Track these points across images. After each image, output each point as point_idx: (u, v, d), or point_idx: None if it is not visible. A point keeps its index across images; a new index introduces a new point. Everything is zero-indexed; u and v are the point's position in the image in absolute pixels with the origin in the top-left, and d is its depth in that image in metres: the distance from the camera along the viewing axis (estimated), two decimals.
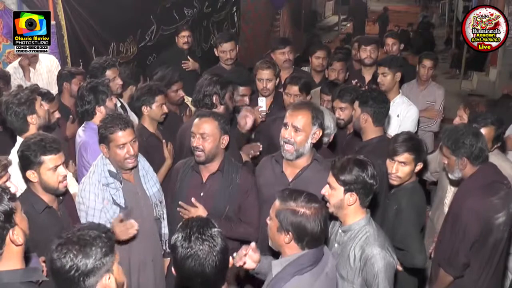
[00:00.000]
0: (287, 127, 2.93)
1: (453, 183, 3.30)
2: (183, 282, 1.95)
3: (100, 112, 3.49)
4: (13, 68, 4.88)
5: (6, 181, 2.55)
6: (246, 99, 4.26)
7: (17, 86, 3.44)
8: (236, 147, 3.59)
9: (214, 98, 3.68)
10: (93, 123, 3.49)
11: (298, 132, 2.90)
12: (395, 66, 4.44)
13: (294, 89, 4.06)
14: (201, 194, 3.08)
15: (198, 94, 3.73)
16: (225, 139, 3.05)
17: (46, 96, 3.74)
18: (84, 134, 3.53)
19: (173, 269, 1.98)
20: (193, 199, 3.04)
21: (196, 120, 3.04)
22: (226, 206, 3.05)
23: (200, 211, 3.02)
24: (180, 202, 3.09)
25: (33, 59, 4.91)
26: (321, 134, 2.98)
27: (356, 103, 3.48)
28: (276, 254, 2.40)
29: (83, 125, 3.61)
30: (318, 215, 2.18)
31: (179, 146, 3.76)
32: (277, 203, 2.25)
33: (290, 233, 2.18)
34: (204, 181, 3.10)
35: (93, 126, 3.47)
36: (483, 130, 3.32)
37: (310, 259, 2.19)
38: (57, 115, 3.81)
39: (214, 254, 1.88)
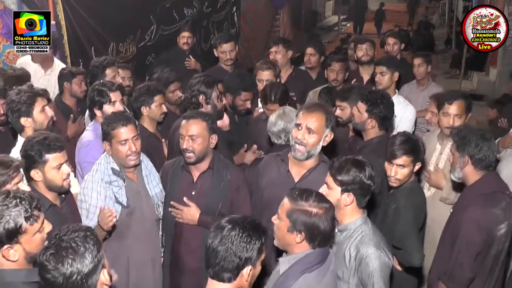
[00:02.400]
0: (300, 128, 2.90)
1: (454, 186, 3.29)
2: None
3: (99, 115, 3.50)
4: (20, 66, 4.90)
5: (18, 182, 2.54)
6: (248, 104, 4.24)
7: (26, 85, 3.40)
8: (224, 145, 3.59)
9: (200, 97, 3.69)
10: (97, 123, 3.50)
11: (311, 134, 2.88)
12: (393, 66, 4.45)
13: (275, 106, 3.89)
14: (193, 193, 3.09)
15: (188, 94, 3.76)
16: (214, 138, 3.06)
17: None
18: (84, 134, 3.57)
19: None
20: (185, 199, 3.04)
21: (184, 122, 3.03)
22: (219, 204, 3.05)
23: (193, 210, 3.02)
24: (171, 202, 3.09)
25: (44, 62, 4.87)
26: (332, 136, 2.96)
27: (364, 107, 3.45)
28: (278, 252, 2.39)
29: (90, 123, 3.66)
30: (329, 214, 2.20)
31: (171, 145, 3.76)
32: (287, 203, 2.24)
33: (302, 233, 2.18)
34: (195, 180, 3.10)
35: (96, 126, 3.47)
36: (454, 104, 3.50)
37: (318, 257, 2.20)
38: (54, 117, 3.78)
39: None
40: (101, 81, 3.73)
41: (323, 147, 2.98)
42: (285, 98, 4.02)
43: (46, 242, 1.80)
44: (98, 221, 2.85)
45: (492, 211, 2.78)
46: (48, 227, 2.08)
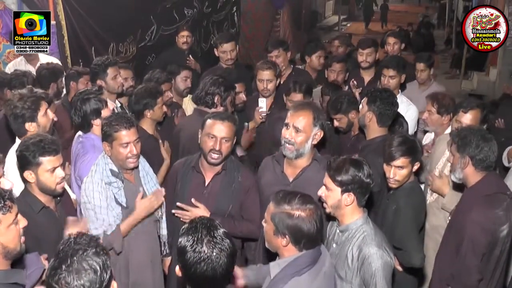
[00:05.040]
0: (288, 127, 2.92)
1: (454, 187, 3.28)
2: (190, 285, 1.91)
3: (96, 125, 3.36)
4: (13, 65, 4.91)
5: (0, 176, 2.54)
6: (243, 96, 4.27)
7: (27, 89, 3.35)
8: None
9: (216, 98, 3.70)
10: (92, 134, 3.41)
11: (299, 133, 2.89)
12: (402, 69, 4.50)
13: (298, 97, 4.03)
14: (204, 192, 3.08)
15: (201, 92, 3.75)
16: (235, 140, 3.08)
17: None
18: (81, 146, 3.40)
19: (178, 271, 1.94)
20: (193, 200, 3.04)
21: (217, 122, 2.97)
22: (229, 205, 3.05)
23: (202, 211, 3.02)
24: (178, 204, 3.08)
25: (33, 61, 4.90)
26: (322, 135, 2.97)
27: (365, 99, 3.50)
28: (274, 255, 2.39)
29: (81, 134, 3.48)
30: (313, 216, 2.17)
31: (175, 145, 3.76)
32: (271, 206, 2.24)
33: (286, 236, 2.17)
34: (207, 180, 3.09)
35: (92, 137, 3.39)
36: (470, 114, 3.43)
37: (308, 260, 2.19)
38: (55, 118, 3.78)
39: (225, 257, 1.85)
40: (81, 92, 3.53)
41: (318, 146, 3.00)
42: (310, 91, 4.09)
43: (51, 260, 1.72)
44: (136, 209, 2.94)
45: (495, 213, 2.77)
46: (23, 222, 2.02)
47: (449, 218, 3.19)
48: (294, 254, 2.20)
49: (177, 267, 1.93)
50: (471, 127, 3.06)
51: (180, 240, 1.89)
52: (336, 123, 3.97)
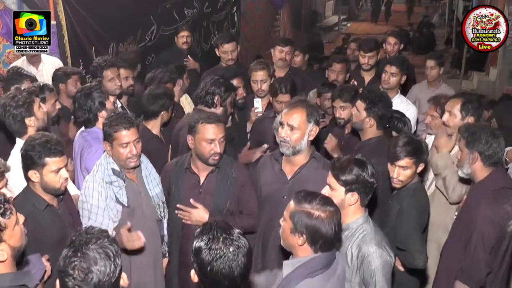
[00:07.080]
0: (283, 126, 2.94)
1: (461, 181, 3.27)
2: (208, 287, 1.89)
3: (102, 117, 3.42)
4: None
5: (2, 187, 2.53)
6: (241, 91, 4.26)
7: (14, 88, 3.39)
8: (227, 141, 3.63)
9: (216, 98, 3.70)
10: (95, 127, 3.46)
11: (293, 131, 2.91)
12: (405, 69, 4.51)
13: (286, 97, 3.96)
14: (200, 192, 3.10)
15: (201, 91, 3.76)
16: None
17: (46, 87, 3.70)
18: (85, 140, 3.46)
19: (193, 275, 1.90)
20: (192, 200, 3.05)
21: (210, 126, 3.00)
22: (227, 201, 3.08)
23: (201, 211, 3.03)
24: (178, 205, 3.10)
25: (34, 58, 4.90)
26: (317, 130, 2.98)
27: (362, 105, 3.44)
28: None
29: (84, 129, 3.54)
30: (333, 219, 2.17)
31: (175, 144, 3.77)
32: (291, 204, 2.24)
33: (304, 235, 2.17)
34: (202, 179, 3.11)
35: (95, 130, 3.44)
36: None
37: (322, 262, 2.18)
38: (58, 105, 3.77)
39: (243, 255, 1.83)
40: (82, 88, 3.60)
41: (315, 144, 3.01)
42: (295, 89, 4.08)
43: (64, 251, 1.75)
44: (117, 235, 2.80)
45: (503, 207, 2.78)
46: (21, 217, 2.04)
47: (456, 213, 3.21)
48: (308, 255, 2.19)
49: (192, 272, 1.90)
50: (480, 124, 3.08)
51: (195, 242, 1.87)
52: (338, 113, 3.91)
